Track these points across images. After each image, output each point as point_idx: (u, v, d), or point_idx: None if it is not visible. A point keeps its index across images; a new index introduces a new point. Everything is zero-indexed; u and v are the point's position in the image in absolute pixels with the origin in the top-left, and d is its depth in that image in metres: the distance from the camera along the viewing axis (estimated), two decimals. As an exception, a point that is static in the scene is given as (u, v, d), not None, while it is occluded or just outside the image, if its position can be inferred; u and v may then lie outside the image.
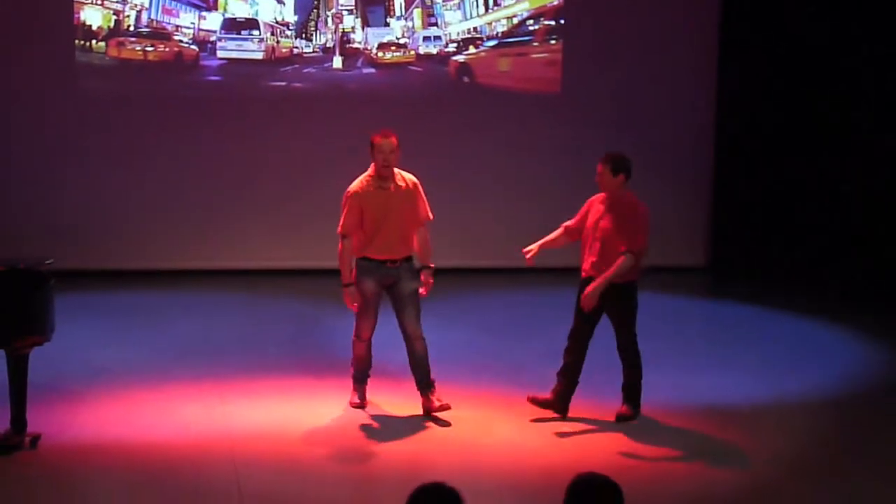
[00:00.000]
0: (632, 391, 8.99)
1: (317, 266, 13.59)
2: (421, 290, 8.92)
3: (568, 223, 9.06)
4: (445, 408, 8.88)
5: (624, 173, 8.80)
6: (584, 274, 8.87)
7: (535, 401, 9.01)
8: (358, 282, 8.84)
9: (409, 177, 8.94)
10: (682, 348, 10.73)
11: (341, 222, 8.86)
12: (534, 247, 9.01)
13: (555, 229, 9.13)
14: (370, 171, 8.87)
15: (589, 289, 8.67)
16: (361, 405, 9.10)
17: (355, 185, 8.88)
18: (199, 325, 11.41)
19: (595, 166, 8.93)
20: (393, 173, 8.85)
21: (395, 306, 8.93)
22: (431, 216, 9.01)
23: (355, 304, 8.86)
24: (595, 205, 8.98)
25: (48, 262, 8.16)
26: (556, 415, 8.93)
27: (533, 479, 7.83)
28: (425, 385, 8.94)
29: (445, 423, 8.80)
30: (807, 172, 14.11)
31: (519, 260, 9.13)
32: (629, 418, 8.93)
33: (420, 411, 8.92)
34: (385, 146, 8.75)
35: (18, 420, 8.07)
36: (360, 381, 9.16)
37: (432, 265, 8.97)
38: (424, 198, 8.97)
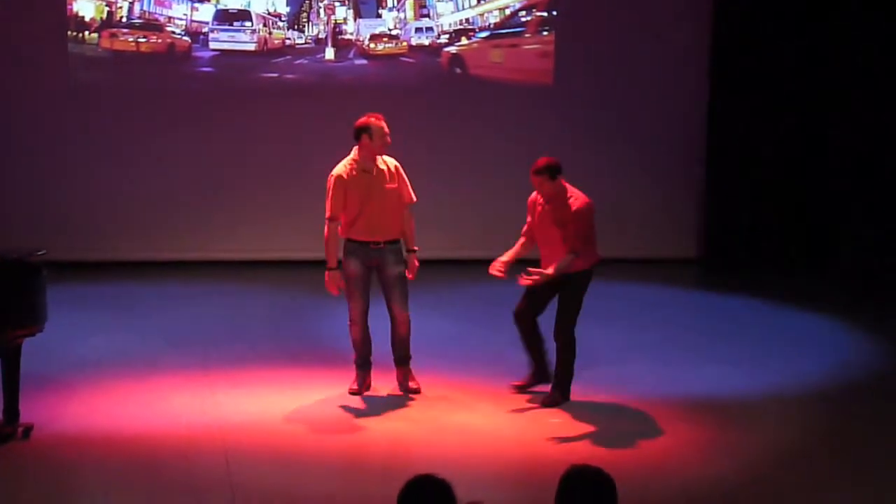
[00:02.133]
0: (562, 378, 9.03)
1: (308, 257, 13.59)
2: (407, 274, 9.08)
3: (524, 229, 9.16)
4: (416, 391, 9.13)
5: (559, 173, 8.88)
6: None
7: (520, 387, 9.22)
8: (344, 263, 9.05)
9: (391, 160, 9.11)
10: (674, 340, 10.71)
11: (328, 205, 9.03)
12: (500, 265, 9.02)
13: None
14: (354, 155, 9.06)
15: (535, 272, 8.71)
16: (359, 391, 9.15)
17: (340, 168, 9.06)
18: (190, 316, 11.40)
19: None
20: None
21: (383, 290, 9.13)
22: (415, 199, 9.15)
23: (336, 289, 9.05)
24: (534, 205, 9.06)
25: (40, 252, 8.16)
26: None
27: (524, 469, 7.84)
28: (402, 359, 9.20)
29: (415, 391, 9.10)
30: (800, 163, 14.10)
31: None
32: (555, 404, 8.96)
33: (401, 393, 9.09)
34: (384, 128, 8.98)
35: (11, 410, 8.09)
36: (361, 367, 9.22)
37: (416, 248, 9.15)
38: (407, 180, 9.13)
